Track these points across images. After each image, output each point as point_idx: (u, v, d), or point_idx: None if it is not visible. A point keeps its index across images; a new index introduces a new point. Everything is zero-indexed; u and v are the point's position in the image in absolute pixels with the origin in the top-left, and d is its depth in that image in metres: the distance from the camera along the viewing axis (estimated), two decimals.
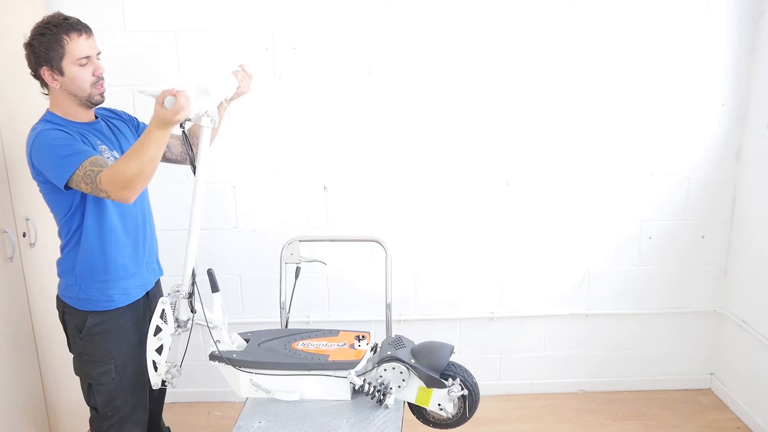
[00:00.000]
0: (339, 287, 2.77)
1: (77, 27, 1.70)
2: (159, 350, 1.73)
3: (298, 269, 2.25)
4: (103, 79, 1.76)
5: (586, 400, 2.89)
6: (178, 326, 1.75)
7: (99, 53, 1.76)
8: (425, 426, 1.97)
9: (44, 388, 2.31)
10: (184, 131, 1.68)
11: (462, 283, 2.80)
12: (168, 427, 2.23)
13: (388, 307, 2.19)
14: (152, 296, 1.96)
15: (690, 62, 2.59)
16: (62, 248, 1.86)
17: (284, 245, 2.24)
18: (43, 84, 1.75)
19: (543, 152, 2.66)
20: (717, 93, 2.62)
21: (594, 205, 2.73)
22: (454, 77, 2.57)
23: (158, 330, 1.71)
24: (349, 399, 1.83)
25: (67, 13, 2.44)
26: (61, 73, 1.69)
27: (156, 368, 1.73)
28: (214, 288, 1.78)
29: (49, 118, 1.75)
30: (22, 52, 2.03)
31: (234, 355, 1.83)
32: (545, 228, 2.75)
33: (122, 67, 2.51)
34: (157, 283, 2.03)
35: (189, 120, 1.63)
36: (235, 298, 2.77)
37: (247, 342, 1.94)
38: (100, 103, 1.80)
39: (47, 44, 1.67)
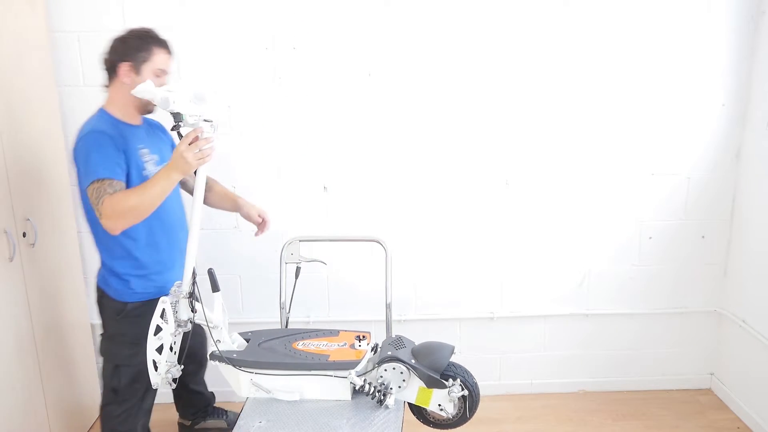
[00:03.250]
0: (339, 287, 2.77)
1: (166, 45, 1.89)
2: (159, 350, 1.73)
3: (298, 269, 2.26)
4: None
5: (586, 400, 2.89)
6: (178, 326, 1.75)
7: (169, 74, 1.91)
8: (425, 426, 1.97)
9: (44, 388, 2.31)
10: (179, 132, 1.68)
11: (462, 283, 2.80)
12: (212, 393, 2.48)
13: (388, 307, 2.19)
14: None
15: (690, 62, 2.59)
16: (97, 243, 1.95)
17: (284, 245, 2.25)
18: (110, 78, 1.87)
19: (543, 152, 2.66)
20: (717, 93, 2.62)
21: (594, 205, 2.73)
22: (454, 78, 2.57)
23: (158, 329, 1.72)
24: (350, 399, 1.83)
25: (67, 12, 2.46)
26: (138, 73, 1.83)
27: (156, 368, 1.74)
28: (215, 288, 1.78)
29: (103, 116, 1.87)
30: (22, 52, 2.04)
31: (234, 355, 1.84)
32: (545, 228, 2.75)
33: None
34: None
35: (182, 123, 1.64)
36: (235, 298, 2.77)
37: (248, 342, 1.94)
38: (150, 113, 1.96)
39: (139, 45, 1.83)
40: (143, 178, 1.84)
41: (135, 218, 1.74)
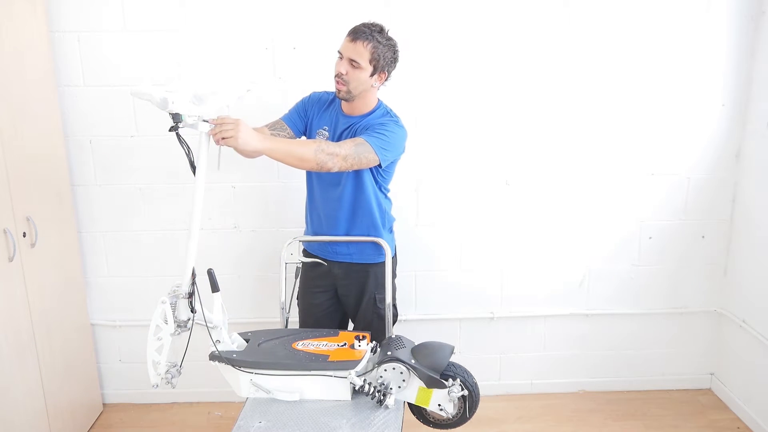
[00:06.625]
0: None
1: (351, 31, 2.04)
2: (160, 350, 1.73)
3: (298, 269, 2.26)
4: (339, 78, 2.02)
5: (586, 400, 2.89)
6: (178, 326, 1.75)
7: (353, 60, 2.00)
8: (425, 426, 1.97)
9: (44, 388, 2.31)
10: (178, 133, 1.67)
11: (462, 283, 2.80)
12: None
13: (388, 307, 2.18)
14: (336, 271, 2.24)
15: (690, 62, 2.59)
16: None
17: (284, 245, 2.24)
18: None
19: (543, 153, 2.66)
20: (717, 93, 2.62)
21: (594, 205, 2.73)
22: (454, 77, 2.57)
23: (158, 330, 1.71)
24: (349, 399, 1.83)
25: (67, 12, 2.46)
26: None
27: (156, 368, 1.73)
28: (214, 288, 1.78)
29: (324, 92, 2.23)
30: (22, 52, 2.02)
31: (234, 355, 1.83)
32: (545, 228, 2.75)
33: (122, 68, 2.51)
34: (342, 265, 2.22)
35: (181, 122, 1.64)
36: (235, 298, 2.76)
37: (247, 342, 1.94)
38: (341, 99, 2.08)
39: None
40: None
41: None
